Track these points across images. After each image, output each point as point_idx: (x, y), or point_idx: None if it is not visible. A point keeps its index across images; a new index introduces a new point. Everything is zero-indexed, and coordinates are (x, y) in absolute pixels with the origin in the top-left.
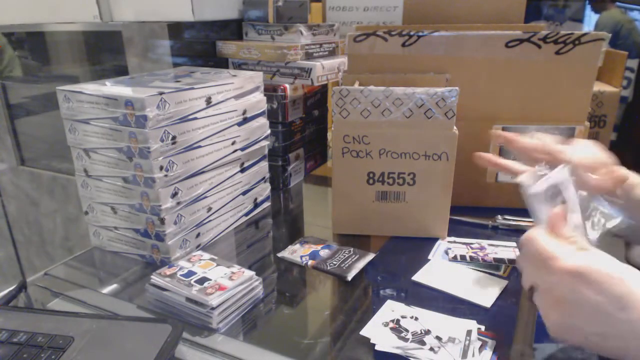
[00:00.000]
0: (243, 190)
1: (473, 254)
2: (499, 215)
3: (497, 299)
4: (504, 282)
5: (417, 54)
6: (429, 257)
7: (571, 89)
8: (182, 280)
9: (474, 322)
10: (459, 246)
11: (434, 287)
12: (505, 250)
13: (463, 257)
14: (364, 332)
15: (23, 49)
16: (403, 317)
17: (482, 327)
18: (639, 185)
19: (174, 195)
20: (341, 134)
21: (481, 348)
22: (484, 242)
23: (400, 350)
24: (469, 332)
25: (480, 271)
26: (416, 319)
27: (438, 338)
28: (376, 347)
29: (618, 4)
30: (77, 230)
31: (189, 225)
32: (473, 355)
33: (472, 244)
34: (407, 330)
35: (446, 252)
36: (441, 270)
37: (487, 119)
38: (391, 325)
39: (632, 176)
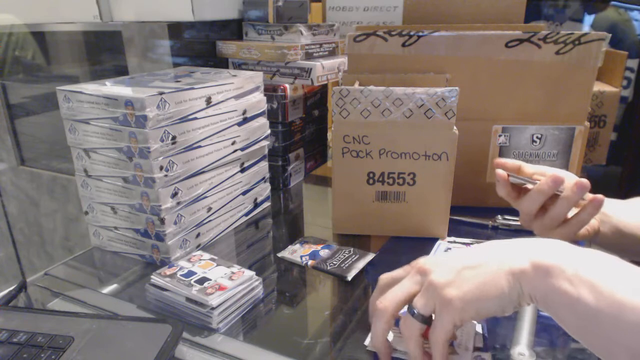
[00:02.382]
0: (243, 190)
1: None
2: (499, 215)
3: None
4: None
5: (417, 54)
6: None
7: (571, 89)
8: (182, 280)
9: (474, 322)
10: (459, 246)
11: None
12: None
13: None
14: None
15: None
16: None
17: (482, 327)
18: (618, 214)
19: (174, 195)
20: (341, 134)
21: (481, 348)
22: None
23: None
24: (468, 333)
25: None
26: None
27: None
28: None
29: (615, 3)
30: (77, 230)
31: (189, 225)
32: (472, 355)
33: (472, 244)
34: None
35: (446, 252)
36: None
37: (487, 119)
38: None
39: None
